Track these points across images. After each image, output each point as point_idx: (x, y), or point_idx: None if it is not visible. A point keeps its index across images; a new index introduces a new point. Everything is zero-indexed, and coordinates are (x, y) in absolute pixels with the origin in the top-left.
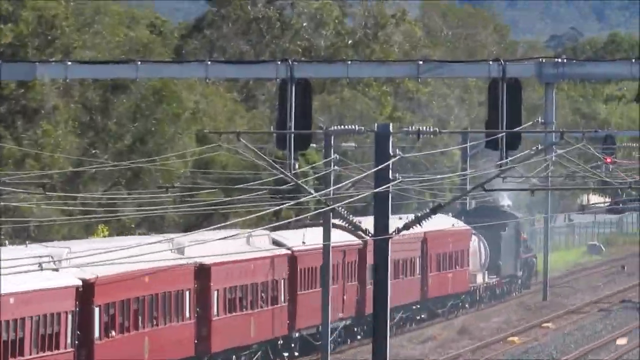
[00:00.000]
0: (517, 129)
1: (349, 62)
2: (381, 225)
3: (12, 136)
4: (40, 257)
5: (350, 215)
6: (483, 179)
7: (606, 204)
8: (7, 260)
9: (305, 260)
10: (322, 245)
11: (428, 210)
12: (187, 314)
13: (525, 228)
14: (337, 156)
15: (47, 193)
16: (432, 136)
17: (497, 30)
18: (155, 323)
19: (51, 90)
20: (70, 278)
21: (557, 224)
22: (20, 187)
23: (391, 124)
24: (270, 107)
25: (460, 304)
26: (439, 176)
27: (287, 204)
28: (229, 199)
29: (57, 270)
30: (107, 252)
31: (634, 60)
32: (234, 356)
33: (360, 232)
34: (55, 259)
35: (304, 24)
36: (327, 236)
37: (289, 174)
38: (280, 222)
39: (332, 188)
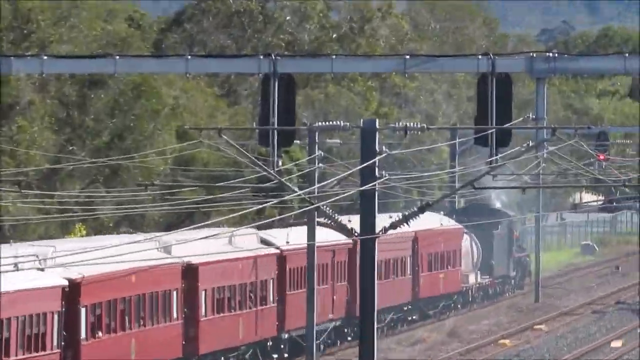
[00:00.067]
0: (508, 125)
1: (334, 57)
2: (367, 224)
3: None
4: (24, 256)
5: (336, 214)
6: (472, 177)
7: (599, 203)
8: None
9: (295, 260)
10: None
11: (416, 209)
12: (175, 315)
13: (517, 227)
14: (322, 153)
15: (22, 191)
16: (419, 132)
17: (486, 23)
18: (142, 323)
19: (27, 85)
20: (56, 278)
21: (549, 223)
22: None
23: (377, 120)
24: (252, 103)
25: (452, 304)
26: (426, 174)
27: (270, 203)
28: (211, 197)
29: (42, 269)
30: (93, 251)
31: (627, 55)
32: (222, 357)
33: (346, 232)
34: (40, 258)
35: (287, 18)
36: (311, 236)
37: (272, 172)
38: (264, 221)
39: (316, 186)
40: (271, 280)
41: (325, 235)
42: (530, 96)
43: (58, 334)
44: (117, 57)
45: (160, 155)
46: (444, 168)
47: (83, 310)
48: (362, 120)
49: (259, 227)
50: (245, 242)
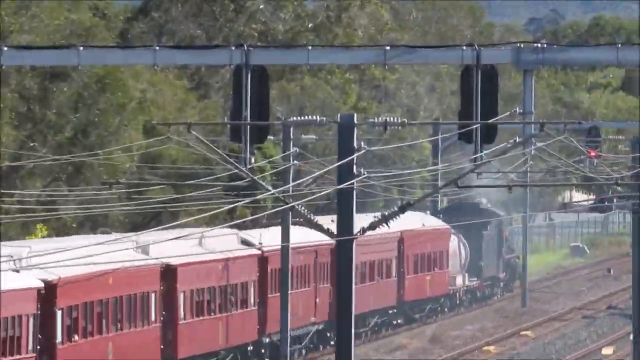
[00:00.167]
0: (493, 120)
1: (310, 48)
2: (345, 224)
3: None
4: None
5: (312, 214)
6: (456, 175)
7: (590, 202)
8: None
9: (277, 261)
10: (295, 245)
11: (396, 209)
12: (153, 318)
13: (505, 227)
14: (297, 149)
15: None
16: (400, 128)
17: (471, 12)
18: (119, 327)
19: None
20: (32, 279)
21: (537, 224)
22: None
23: (355, 115)
24: (224, 96)
25: (439, 308)
26: (407, 171)
27: (242, 202)
28: (179, 196)
29: (17, 271)
30: (70, 251)
31: (620, 45)
32: None
33: (324, 233)
34: (15, 259)
35: (261, 6)
36: (286, 237)
37: (244, 169)
38: (236, 222)
39: (291, 184)
40: (252, 282)
41: (307, 236)
42: (518, 89)
43: (33, 337)
44: (81, 48)
45: (126, 152)
46: (426, 165)
47: (59, 313)
48: (339, 114)
49: (233, 227)
50: (226, 242)
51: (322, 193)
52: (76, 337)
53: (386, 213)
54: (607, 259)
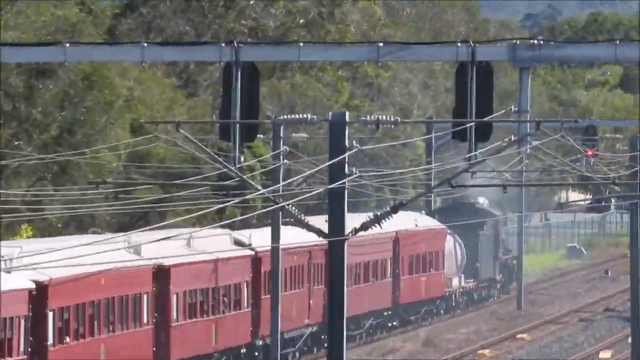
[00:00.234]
0: (488, 118)
1: (301, 44)
2: (336, 224)
3: None
4: None
5: (302, 214)
6: (450, 174)
7: (587, 202)
8: None
9: (270, 262)
10: (289, 246)
11: (389, 209)
12: (145, 319)
13: (501, 228)
14: (287, 148)
15: None
16: (393, 126)
17: (465, 8)
18: (111, 329)
19: None
20: (23, 280)
21: (533, 224)
22: None
23: (347, 113)
24: (213, 94)
25: (434, 310)
26: (400, 170)
27: (231, 202)
28: (167, 195)
29: (8, 271)
30: (61, 251)
31: (618, 42)
32: None
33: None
34: (6, 259)
35: (251, 2)
36: (276, 237)
37: (233, 168)
38: (225, 222)
39: (281, 184)
40: (245, 284)
41: (301, 236)
42: (513, 87)
43: (25, 339)
44: (67, 44)
45: (113, 151)
46: (419, 164)
47: (50, 315)
48: (330, 112)
49: (224, 228)
50: (219, 243)
51: (313, 193)
52: (68, 339)
53: (378, 213)
54: (604, 260)
